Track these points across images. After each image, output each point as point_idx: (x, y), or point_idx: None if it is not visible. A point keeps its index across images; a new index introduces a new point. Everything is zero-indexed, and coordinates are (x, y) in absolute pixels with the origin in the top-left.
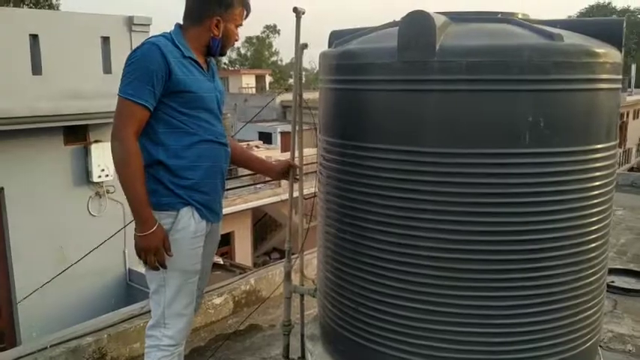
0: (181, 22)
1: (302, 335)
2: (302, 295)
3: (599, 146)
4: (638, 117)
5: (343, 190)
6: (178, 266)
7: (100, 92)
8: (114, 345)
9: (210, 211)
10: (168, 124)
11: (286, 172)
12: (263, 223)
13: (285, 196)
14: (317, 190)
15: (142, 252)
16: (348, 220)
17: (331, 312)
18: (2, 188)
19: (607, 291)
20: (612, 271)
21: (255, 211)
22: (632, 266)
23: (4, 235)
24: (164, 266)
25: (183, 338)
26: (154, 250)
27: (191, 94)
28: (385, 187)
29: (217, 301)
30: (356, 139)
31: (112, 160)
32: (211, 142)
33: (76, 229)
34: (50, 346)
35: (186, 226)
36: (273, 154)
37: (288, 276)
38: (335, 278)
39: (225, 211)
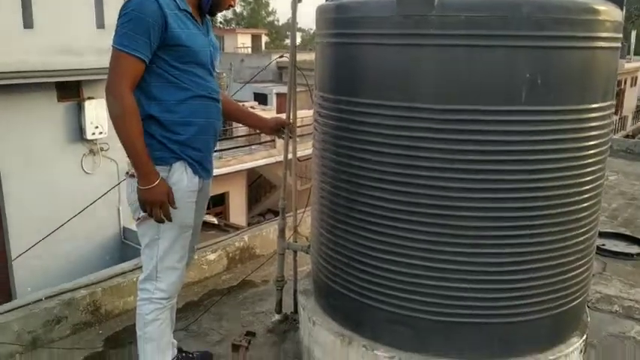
0: None
1: (295, 291)
2: (295, 252)
3: (595, 105)
4: (635, 84)
5: (338, 147)
6: (173, 220)
7: (93, 47)
8: (108, 298)
9: (202, 167)
10: (161, 77)
11: (279, 128)
12: (258, 185)
13: (280, 158)
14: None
15: (147, 205)
16: (343, 177)
17: (325, 268)
18: None
19: (597, 253)
20: (603, 235)
21: (250, 172)
22: (622, 230)
23: None
24: (169, 219)
25: (175, 292)
26: (159, 203)
27: (185, 48)
28: (381, 143)
29: (211, 257)
30: (352, 95)
31: (105, 117)
32: (204, 98)
33: (70, 186)
34: (45, 299)
35: (179, 181)
36: (268, 115)
37: (282, 233)
38: (329, 234)
39: (219, 171)
